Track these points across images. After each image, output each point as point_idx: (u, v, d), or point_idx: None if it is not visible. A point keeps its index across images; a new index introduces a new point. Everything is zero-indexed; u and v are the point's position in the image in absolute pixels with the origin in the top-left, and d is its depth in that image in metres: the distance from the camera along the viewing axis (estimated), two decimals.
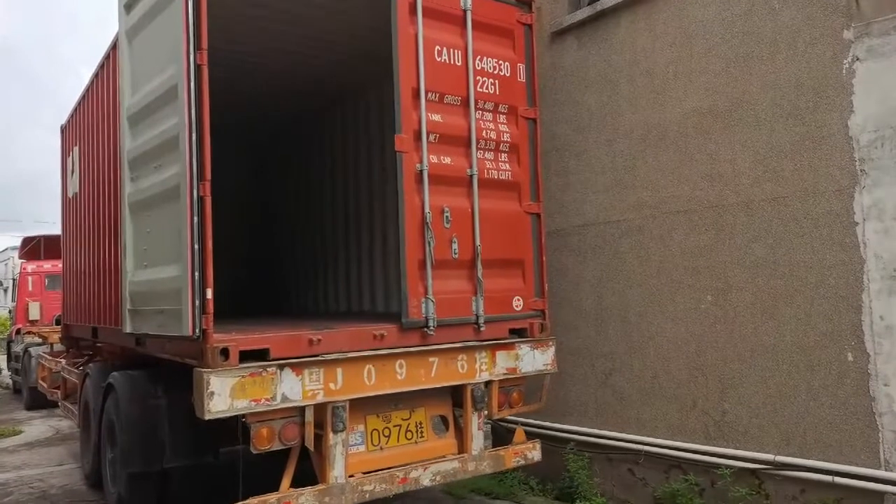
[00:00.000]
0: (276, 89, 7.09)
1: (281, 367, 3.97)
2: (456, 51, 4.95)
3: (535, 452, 5.13)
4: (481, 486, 6.11)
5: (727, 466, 4.74)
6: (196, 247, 3.80)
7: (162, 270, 4.14)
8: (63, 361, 8.65)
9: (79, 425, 7.21)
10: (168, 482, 5.40)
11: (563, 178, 6.05)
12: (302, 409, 4.06)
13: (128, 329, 4.70)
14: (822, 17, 4.43)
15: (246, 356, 3.93)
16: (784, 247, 4.58)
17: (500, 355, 4.93)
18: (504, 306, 5.05)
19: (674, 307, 5.20)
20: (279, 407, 3.96)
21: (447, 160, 4.84)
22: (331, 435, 4.14)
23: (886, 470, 4.06)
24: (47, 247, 14.24)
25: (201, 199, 3.84)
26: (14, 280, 16.25)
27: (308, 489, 4.07)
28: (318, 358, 4.13)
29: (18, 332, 14.54)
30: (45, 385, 10.17)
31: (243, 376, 3.83)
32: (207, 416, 3.73)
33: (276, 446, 4.03)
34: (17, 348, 14.36)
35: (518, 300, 5.15)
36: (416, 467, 4.48)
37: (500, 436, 6.30)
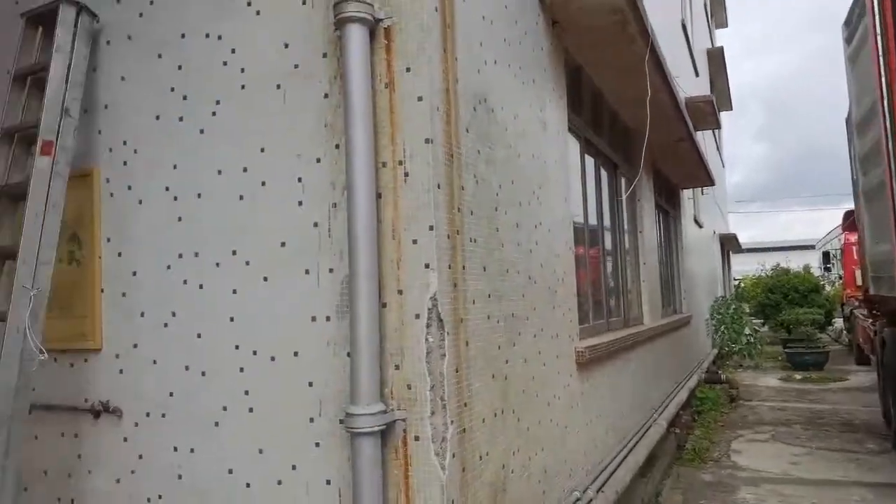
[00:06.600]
0: None
1: None
2: None
3: None
4: None
5: None
6: None
7: (881, 246, 5.30)
8: (869, 321, 9.94)
9: (877, 375, 8.51)
10: None
11: None
12: None
13: (872, 291, 5.95)
14: None
15: None
16: None
17: None
18: None
19: None
20: None
21: None
22: None
23: None
24: (845, 219, 15.56)
25: None
26: (840, 250, 18.24)
27: None
28: None
29: (848, 297, 16.45)
30: (861, 342, 11.74)
31: None
32: None
33: None
34: (846, 311, 16.34)
35: None
36: None
37: None
